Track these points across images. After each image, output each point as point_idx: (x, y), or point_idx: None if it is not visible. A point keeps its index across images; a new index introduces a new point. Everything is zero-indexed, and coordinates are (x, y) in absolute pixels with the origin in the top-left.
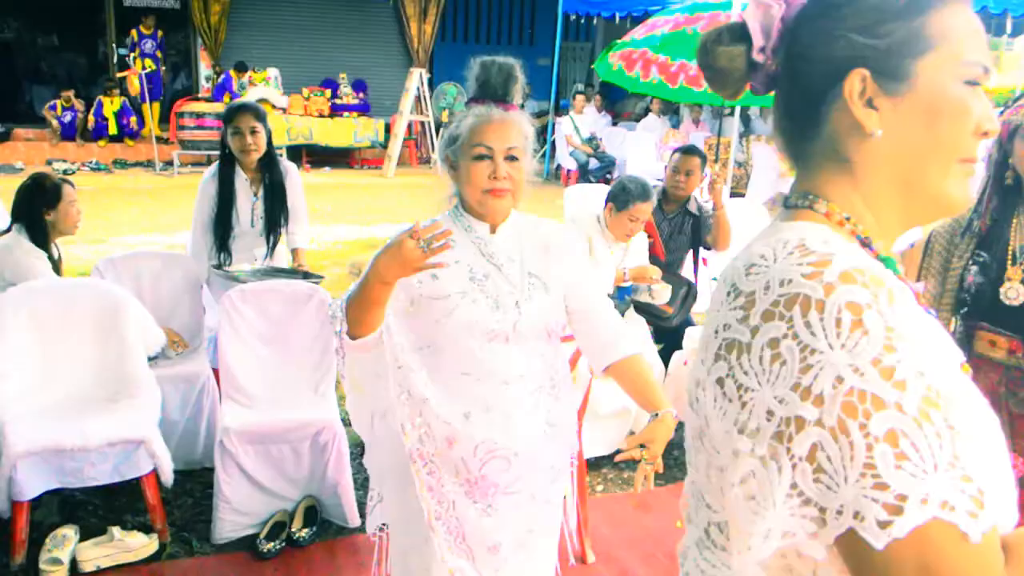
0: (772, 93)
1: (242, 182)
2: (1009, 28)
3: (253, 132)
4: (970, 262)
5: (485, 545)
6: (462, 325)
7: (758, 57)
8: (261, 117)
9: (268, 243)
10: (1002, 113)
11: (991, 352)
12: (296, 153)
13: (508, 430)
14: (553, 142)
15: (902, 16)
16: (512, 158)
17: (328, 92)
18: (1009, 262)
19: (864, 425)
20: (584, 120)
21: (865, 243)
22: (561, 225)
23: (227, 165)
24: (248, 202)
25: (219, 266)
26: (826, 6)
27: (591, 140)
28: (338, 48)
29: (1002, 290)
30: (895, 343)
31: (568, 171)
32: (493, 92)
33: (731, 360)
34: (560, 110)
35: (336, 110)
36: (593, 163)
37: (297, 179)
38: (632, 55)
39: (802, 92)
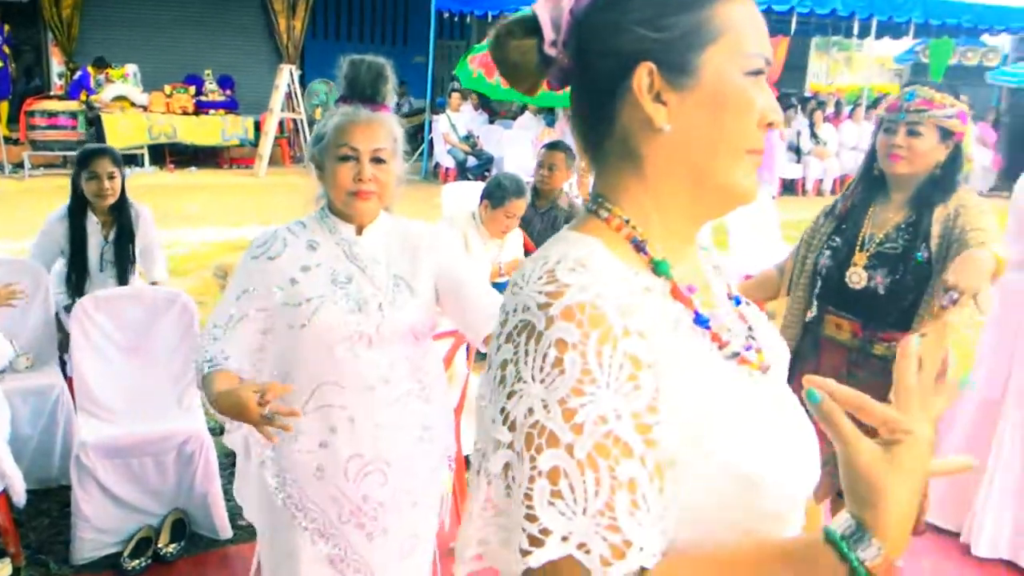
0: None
1: (93, 225)
2: (856, 30)
3: (111, 177)
4: (824, 246)
5: (372, 562)
6: (322, 329)
7: (550, 51)
8: (118, 162)
9: (119, 285)
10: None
11: (837, 334)
12: (159, 152)
13: (377, 441)
14: (431, 140)
15: (686, 8)
16: (379, 160)
17: (192, 89)
18: (858, 248)
19: (535, 458)
20: (461, 118)
21: (639, 247)
22: (429, 225)
23: (79, 211)
24: (97, 247)
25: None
26: (612, 1)
27: (468, 138)
28: (202, 43)
29: (847, 274)
30: (585, 387)
31: (446, 169)
32: (361, 91)
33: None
34: (436, 108)
35: (201, 107)
36: (471, 161)
37: (149, 220)
38: (490, 60)
39: (594, 87)
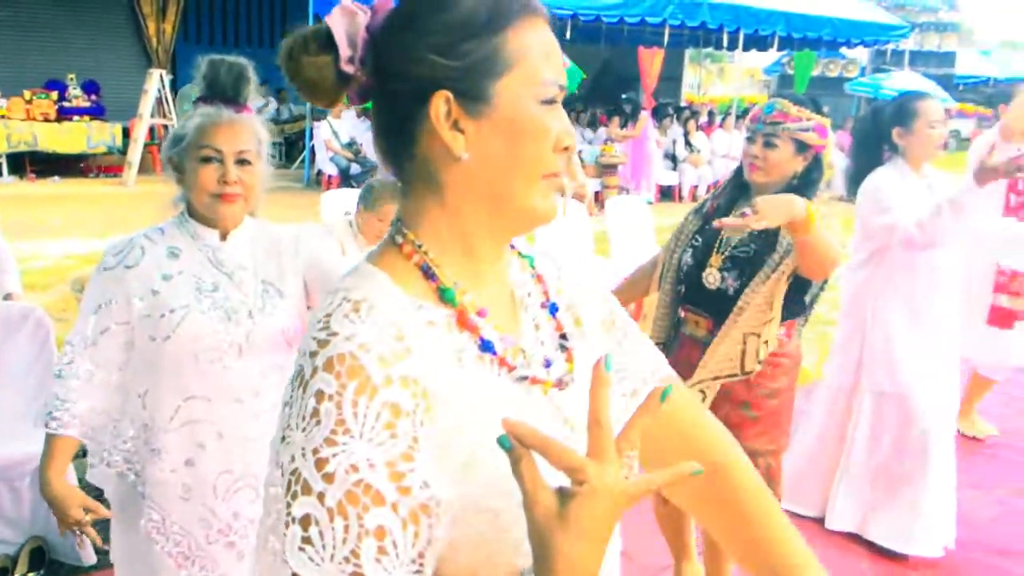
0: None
1: None
2: (725, 43)
3: None
4: (688, 244)
5: None
6: (188, 340)
7: (347, 68)
8: None
9: None
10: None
11: (695, 331)
12: (18, 161)
13: (247, 455)
14: (312, 148)
15: (478, 36)
16: (244, 161)
17: (55, 94)
18: (715, 249)
19: (290, 504)
20: (343, 124)
21: (428, 274)
22: (293, 227)
23: None
24: None
25: None
26: (405, 22)
27: (351, 145)
28: (64, 47)
29: (704, 274)
30: (339, 437)
31: (329, 177)
32: (222, 92)
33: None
34: (317, 115)
35: (65, 113)
36: (354, 168)
37: None
38: None
39: (393, 110)
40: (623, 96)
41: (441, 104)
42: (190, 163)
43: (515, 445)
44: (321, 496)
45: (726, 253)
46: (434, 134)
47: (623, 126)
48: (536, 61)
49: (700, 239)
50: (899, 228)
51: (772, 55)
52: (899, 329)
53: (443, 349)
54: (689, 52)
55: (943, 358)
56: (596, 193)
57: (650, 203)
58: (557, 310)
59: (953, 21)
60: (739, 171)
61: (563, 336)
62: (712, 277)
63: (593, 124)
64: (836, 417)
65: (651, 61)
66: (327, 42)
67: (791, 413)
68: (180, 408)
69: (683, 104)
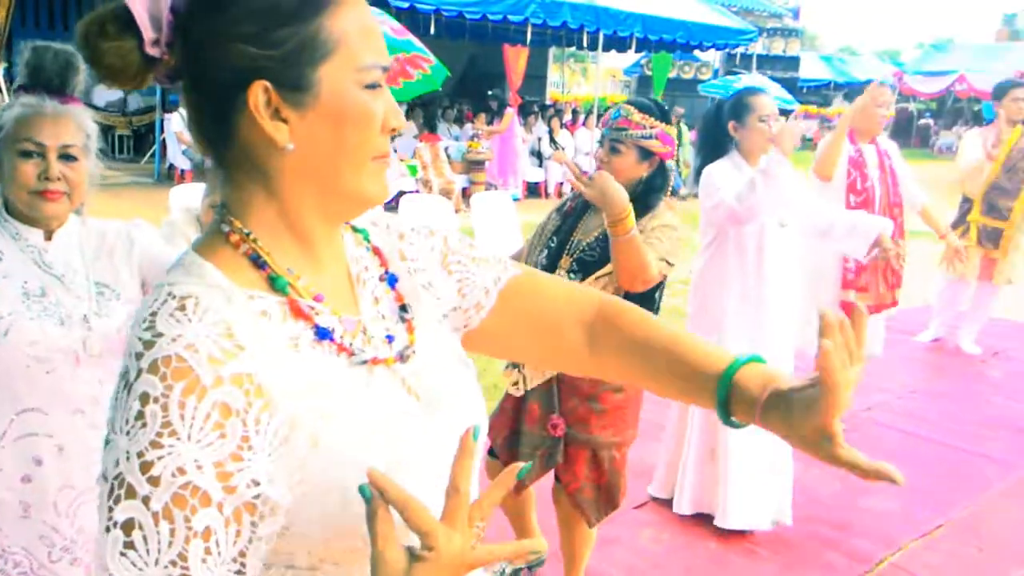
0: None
1: None
2: (586, 43)
3: None
4: (544, 246)
5: None
6: (17, 350)
7: (152, 51)
8: None
9: None
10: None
11: None
12: None
13: (91, 468)
14: (163, 141)
15: (292, 22)
16: (68, 157)
17: None
18: (566, 252)
19: (112, 509)
20: None
21: (258, 263)
22: (124, 224)
23: None
24: None
25: None
26: (214, 4)
27: None
28: None
29: (555, 275)
30: (165, 440)
31: (182, 171)
32: (47, 81)
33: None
34: (169, 106)
35: None
36: (210, 162)
37: None
38: None
39: (208, 97)
40: (489, 92)
41: (260, 94)
42: (7, 157)
43: (375, 497)
44: (146, 500)
45: (575, 256)
46: (255, 123)
47: (489, 123)
48: (356, 45)
49: (555, 240)
50: (723, 205)
51: (631, 56)
52: (729, 311)
53: (278, 340)
54: (553, 51)
55: (773, 341)
56: (464, 189)
57: (517, 199)
58: (396, 281)
59: (797, 27)
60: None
61: (403, 307)
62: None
63: (460, 120)
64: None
65: (516, 59)
66: (127, 24)
67: (638, 407)
68: (13, 422)
69: (548, 102)
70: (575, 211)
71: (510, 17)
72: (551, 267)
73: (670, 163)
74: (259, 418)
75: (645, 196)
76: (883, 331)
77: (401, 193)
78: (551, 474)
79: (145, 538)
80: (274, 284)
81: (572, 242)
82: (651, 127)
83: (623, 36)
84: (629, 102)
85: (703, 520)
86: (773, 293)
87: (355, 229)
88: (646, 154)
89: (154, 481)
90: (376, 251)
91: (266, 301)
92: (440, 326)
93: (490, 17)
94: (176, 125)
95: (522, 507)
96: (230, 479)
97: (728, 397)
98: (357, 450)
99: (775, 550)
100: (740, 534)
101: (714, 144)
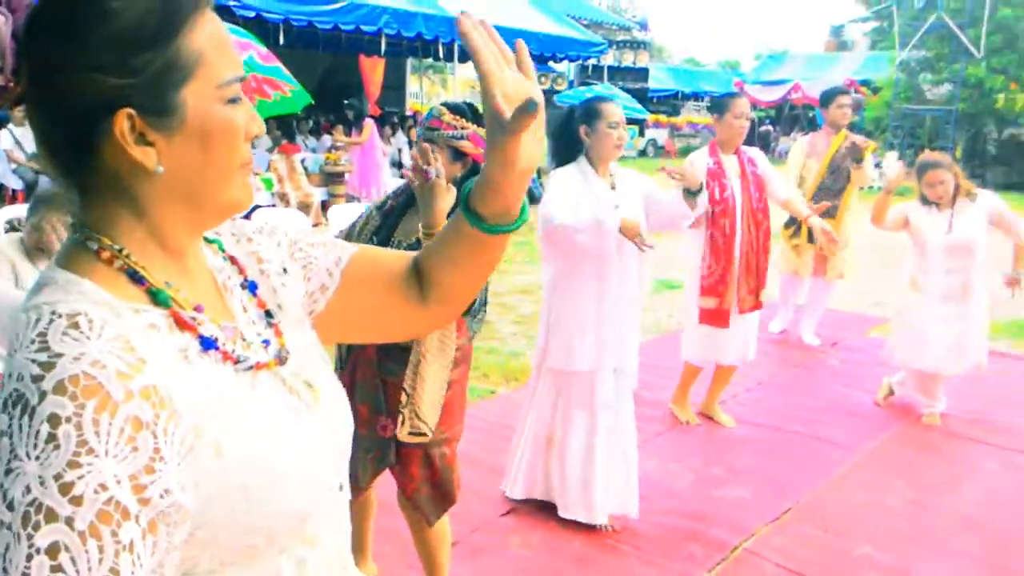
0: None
1: None
2: (442, 54)
3: None
4: (367, 242)
5: None
6: None
7: None
8: None
9: None
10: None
11: None
12: None
13: None
14: None
15: (151, 48)
16: None
17: None
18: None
19: (32, 536)
20: (28, 133)
21: (136, 278)
22: None
23: None
24: None
25: None
26: (63, 32)
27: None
28: None
29: None
30: (83, 459)
31: (13, 191)
32: None
33: None
34: None
35: None
36: (45, 181)
37: None
38: None
39: (65, 124)
40: (346, 103)
41: (124, 121)
42: None
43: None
44: (69, 521)
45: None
46: (121, 149)
47: (347, 134)
48: (215, 61)
49: (376, 240)
50: (542, 218)
51: None
52: (569, 311)
53: (169, 352)
54: (412, 62)
55: (615, 341)
56: (323, 202)
57: None
58: (256, 288)
59: (646, 40)
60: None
61: (268, 313)
62: None
63: (316, 132)
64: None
65: (373, 69)
66: None
67: (464, 403)
68: None
69: (408, 113)
70: (395, 211)
71: (363, 27)
72: None
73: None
74: (167, 428)
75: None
76: (755, 336)
77: (256, 207)
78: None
79: (73, 559)
80: (156, 298)
81: (393, 242)
82: (462, 128)
83: None
84: (443, 103)
85: (570, 521)
86: (615, 295)
87: (208, 240)
88: (458, 155)
89: (76, 501)
90: (232, 260)
91: (152, 314)
92: (303, 324)
93: (343, 27)
94: (5, 143)
95: (360, 514)
96: (144, 491)
97: (473, 201)
98: (256, 452)
99: (637, 545)
100: (603, 531)
101: (566, 149)
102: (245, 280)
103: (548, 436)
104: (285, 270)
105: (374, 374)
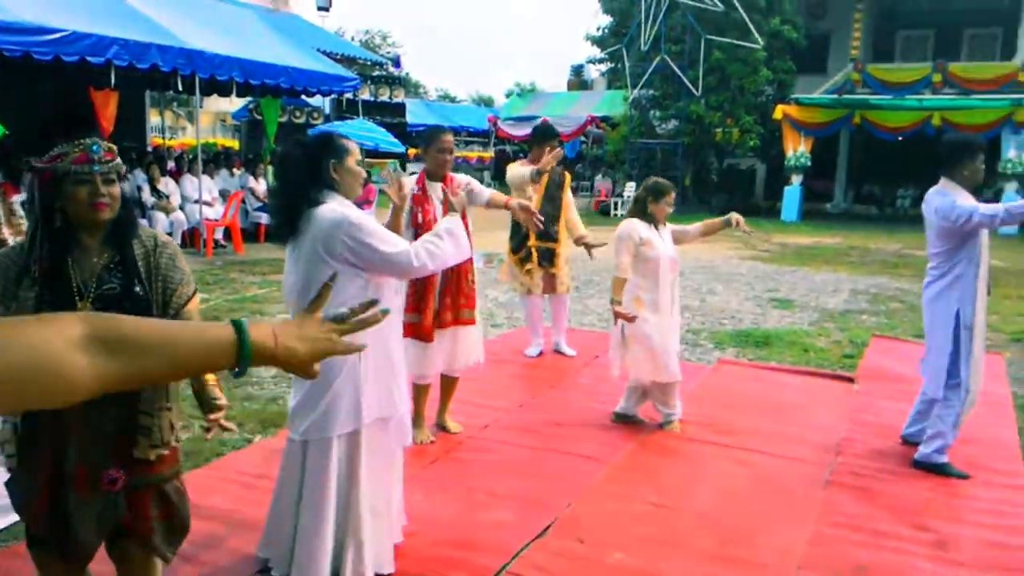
0: None
1: None
2: (182, 87)
3: None
4: (37, 305)
5: None
6: None
7: None
8: None
9: None
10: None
11: None
12: None
13: None
14: None
15: None
16: None
17: None
18: (78, 298)
19: None
20: None
21: None
22: None
23: None
24: None
25: None
26: None
27: None
28: None
29: None
30: None
31: None
32: None
33: None
34: None
35: None
36: None
37: None
38: None
39: None
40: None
41: None
42: None
43: None
44: None
45: (92, 297)
46: None
47: None
48: None
49: (49, 296)
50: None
51: (241, 100)
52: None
53: None
54: (151, 95)
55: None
56: None
57: None
58: None
59: (400, 75)
60: (48, 219)
61: None
62: None
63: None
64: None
65: (106, 103)
66: None
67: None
68: None
69: (151, 148)
70: (53, 264)
71: (89, 59)
72: (55, 306)
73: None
74: None
75: (128, 217)
76: (478, 345)
77: None
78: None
79: None
80: None
81: (79, 288)
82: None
83: (222, 80)
84: (85, 140)
85: None
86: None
87: None
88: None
89: None
90: None
91: None
92: None
93: (64, 58)
94: None
95: None
96: None
97: (246, 349)
98: None
99: None
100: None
101: (302, 183)
102: None
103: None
104: None
105: (89, 428)
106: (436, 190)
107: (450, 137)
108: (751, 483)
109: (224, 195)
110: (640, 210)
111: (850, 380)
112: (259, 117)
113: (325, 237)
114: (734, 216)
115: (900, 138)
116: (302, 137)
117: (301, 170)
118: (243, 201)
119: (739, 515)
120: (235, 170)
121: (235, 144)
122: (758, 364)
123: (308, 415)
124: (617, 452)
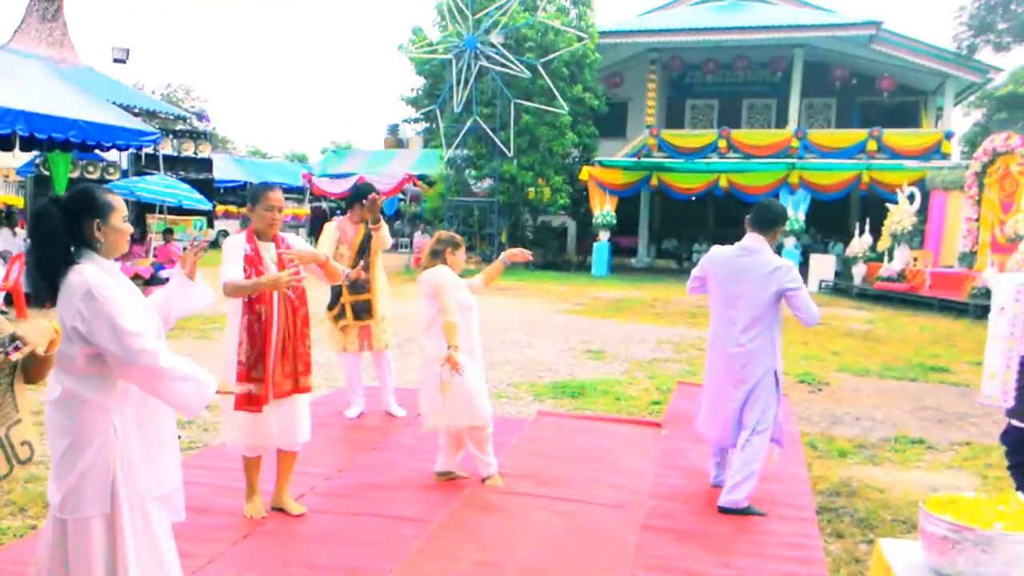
0: None
1: None
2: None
3: None
4: None
5: None
6: None
7: None
8: None
9: None
10: None
11: None
12: None
13: None
14: None
15: None
16: None
17: None
18: None
19: None
20: None
21: None
22: None
23: None
24: None
25: None
26: None
27: None
28: None
29: None
30: None
31: None
32: None
33: None
34: None
35: None
36: None
37: None
38: None
39: None
40: None
41: None
42: None
43: None
44: None
45: None
46: None
47: None
48: None
49: None
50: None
51: (25, 155)
52: None
53: None
54: None
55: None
56: None
57: None
58: None
59: (207, 130)
60: None
61: None
62: None
63: None
64: None
65: None
66: None
67: None
68: None
69: None
70: None
71: None
72: None
73: None
74: None
75: None
76: (306, 419)
77: None
78: None
79: None
80: None
81: None
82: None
83: (4, 133)
84: None
85: None
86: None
87: None
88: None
89: None
90: None
91: None
92: None
93: None
94: None
95: None
96: None
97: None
98: None
99: None
100: None
101: (58, 243)
102: None
103: None
104: None
105: None
106: (269, 251)
107: (278, 194)
108: (571, 532)
109: (5, 257)
110: (442, 261)
111: (658, 425)
112: (47, 172)
113: (64, 303)
114: (507, 254)
115: (693, 198)
116: (56, 195)
117: (57, 229)
118: (27, 263)
119: (560, 564)
120: (18, 229)
121: (19, 201)
122: (574, 414)
123: (60, 488)
124: (439, 511)
